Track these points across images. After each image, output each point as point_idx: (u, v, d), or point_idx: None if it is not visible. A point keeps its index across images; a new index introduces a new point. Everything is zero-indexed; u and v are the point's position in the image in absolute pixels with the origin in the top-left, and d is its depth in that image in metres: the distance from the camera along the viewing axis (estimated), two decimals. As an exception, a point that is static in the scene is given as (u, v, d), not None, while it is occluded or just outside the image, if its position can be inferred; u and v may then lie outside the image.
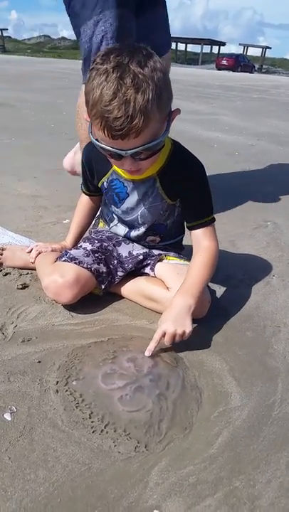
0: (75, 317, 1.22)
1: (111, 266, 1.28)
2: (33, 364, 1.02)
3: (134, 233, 1.32)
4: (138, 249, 1.32)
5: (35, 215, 1.92)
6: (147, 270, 1.31)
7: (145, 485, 0.75)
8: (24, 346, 1.08)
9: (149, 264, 1.31)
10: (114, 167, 1.20)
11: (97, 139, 1.01)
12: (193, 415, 0.91)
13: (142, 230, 1.29)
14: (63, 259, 1.24)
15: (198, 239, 1.21)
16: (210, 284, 1.44)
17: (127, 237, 1.34)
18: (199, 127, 4.72)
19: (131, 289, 1.30)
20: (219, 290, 1.40)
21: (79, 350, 1.07)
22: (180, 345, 1.11)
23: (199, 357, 1.09)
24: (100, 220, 1.45)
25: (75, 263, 1.22)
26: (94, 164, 1.26)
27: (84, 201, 1.41)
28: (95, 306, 1.26)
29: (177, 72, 16.98)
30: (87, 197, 1.40)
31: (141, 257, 1.30)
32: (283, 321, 1.27)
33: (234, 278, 1.49)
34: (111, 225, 1.37)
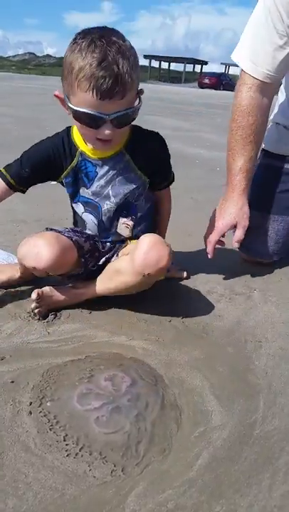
0: (52, 334, 1.18)
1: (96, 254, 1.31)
2: (6, 384, 0.97)
3: (105, 212, 1.27)
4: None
5: (14, 229, 1.88)
6: (114, 258, 1.35)
7: (121, 512, 0.71)
8: (-3, 365, 1.03)
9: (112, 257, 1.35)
10: (82, 147, 1.22)
11: (76, 108, 1.06)
12: (172, 436, 0.87)
13: (113, 206, 1.26)
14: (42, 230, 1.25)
15: (163, 199, 1.39)
16: (191, 298, 1.42)
17: (98, 227, 1.31)
18: (182, 144, 4.76)
19: (102, 277, 1.29)
20: (200, 305, 1.38)
21: (54, 369, 1.03)
22: (160, 362, 1.08)
23: (179, 374, 1.06)
24: None
25: (55, 231, 1.23)
26: (54, 160, 1.23)
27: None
28: (73, 322, 1.22)
29: (161, 90, 17.24)
30: (1, 189, 1.26)
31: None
32: (265, 335, 1.25)
33: (215, 293, 1.48)
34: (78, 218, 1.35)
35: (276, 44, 1.32)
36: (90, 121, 1.07)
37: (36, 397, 0.94)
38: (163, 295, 1.41)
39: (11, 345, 1.11)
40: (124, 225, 1.30)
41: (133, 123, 1.17)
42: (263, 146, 1.65)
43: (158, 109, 8.73)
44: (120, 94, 1.02)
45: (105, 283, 1.28)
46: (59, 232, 1.25)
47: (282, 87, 1.56)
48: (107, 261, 1.34)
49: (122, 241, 1.34)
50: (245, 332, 1.26)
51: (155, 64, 37.32)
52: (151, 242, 1.16)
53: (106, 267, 1.30)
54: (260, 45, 1.35)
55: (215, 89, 34.65)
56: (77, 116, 1.08)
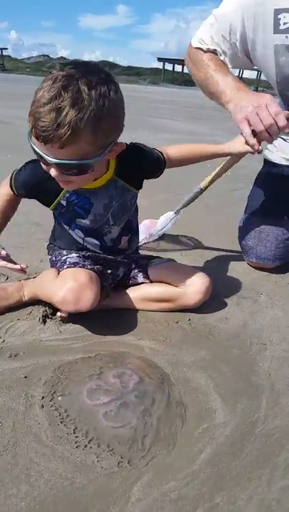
0: (64, 332, 1.23)
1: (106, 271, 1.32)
2: (20, 379, 1.03)
3: (108, 236, 1.30)
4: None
5: (28, 230, 1.94)
6: (141, 279, 1.38)
7: (127, 500, 0.76)
8: (11, 361, 1.08)
9: (138, 273, 1.38)
10: None
11: (29, 139, 1.01)
12: (177, 431, 0.92)
13: (117, 229, 1.30)
14: (65, 267, 1.24)
15: (176, 157, 1.34)
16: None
17: (101, 249, 1.32)
18: (193, 147, 4.80)
19: (136, 297, 1.36)
20: (207, 307, 1.42)
21: (66, 366, 1.08)
22: (167, 362, 1.12)
23: (185, 374, 1.10)
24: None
25: (80, 267, 1.23)
26: (45, 185, 1.17)
27: (7, 196, 1.26)
28: (84, 321, 1.27)
29: (173, 93, 17.30)
30: (12, 194, 1.25)
31: (126, 259, 1.38)
32: (269, 338, 1.29)
33: (222, 296, 1.51)
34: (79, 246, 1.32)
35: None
36: (39, 157, 1.02)
37: (48, 391, 0.99)
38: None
39: (24, 342, 1.17)
40: (124, 242, 1.36)
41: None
42: (263, 155, 1.70)
43: (171, 112, 8.78)
44: (58, 143, 0.93)
45: (143, 304, 1.36)
46: (82, 265, 1.24)
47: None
48: (126, 279, 1.40)
49: (125, 254, 1.38)
50: (251, 335, 1.30)
51: (169, 67, 37.40)
52: (206, 287, 1.33)
53: (143, 290, 1.37)
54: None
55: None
56: (31, 147, 1.02)
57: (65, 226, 1.29)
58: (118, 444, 0.86)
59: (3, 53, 37.94)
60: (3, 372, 1.04)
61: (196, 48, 1.53)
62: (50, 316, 1.29)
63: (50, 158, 0.98)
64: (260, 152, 1.36)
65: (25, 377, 1.03)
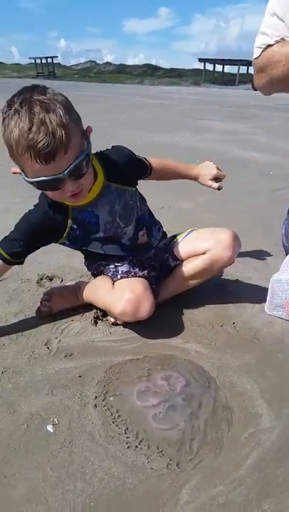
0: (113, 334, 1.24)
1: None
2: (74, 378, 1.05)
3: (125, 238, 1.30)
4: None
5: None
6: (172, 262, 1.38)
7: (176, 503, 0.76)
8: (66, 361, 1.11)
9: (168, 258, 1.38)
10: (70, 204, 1.17)
11: (33, 180, 1.01)
12: (223, 435, 0.91)
13: (131, 229, 1.30)
14: (119, 277, 1.25)
15: (156, 170, 1.37)
16: (242, 305, 1.43)
17: (122, 250, 1.32)
18: (235, 147, 4.69)
19: (174, 283, 1.37)
20: (251, 311, 1.39)
21: (116, 367, 1.09)
22: (212, 365, 1.11)
23: (231, 378, 1.08)
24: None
25: (133, 275, 1.24)
26: (46, 228, 1.19)
27: None
28: (132, 324, 1.28)
29: (214, 93, 17.00)
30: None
31: (153, 251, 1.39)
32: (315, 343, 1.24)
33: (265, 299, 1.47)
34: (102, 256, 1.33)
35: None
36: (50, 186, 1.04)
37: (100, 391, 1.01)
38: (215, 301, 1.43)
39: (78, 342, 1.19)
40: (142, 236, 1.35)
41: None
42: None
43: (212, 113, 8.63)
44: (62, 149, 0.96)
45: (187, 283, 1.36)
46: (135, 273, 1.25)
47: None
48: (162, 269, 1.40)
49: (148, 247, 1.38)
50: (296, 339, 1.26)
51: (209, 67, 36.77)
52: (231, 239, 1.29)
53: (179, 273, 1.36)
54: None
55: (269, 90, 33.47)
56: (38, 186, 1.04)
57: (82, 249, 1.33)
58: (167, 446, 0.87)
59: (54, 61, 38.77)
60: (60, 372, 1.07)
61: (263, 49, 1.41)
62: (100, 318, 1.31)
63: (61, 174, 1.00)
64: (219, 189, 1.45)
65: (80, 376, 1.06)
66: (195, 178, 1.47)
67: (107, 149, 1.26)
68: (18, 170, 1.05)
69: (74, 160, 1.00)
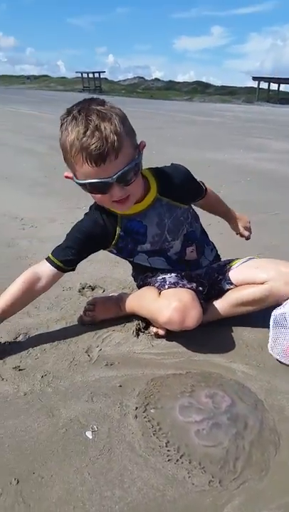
0: (156, 347, 1.27)
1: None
2: (115, 387, 1.09)
3: (172, 252, 1.35)
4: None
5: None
6: (225, 285, 1.40)
7: (218, 521, 0.77)
8: (107, 370, 1.15)
9: (222, 280, 1.40)
10: (119, 212, 1.24)
11: (83, 181, 1.10)
12: (270, 458, 0.91)
13: (178, 243, 1.34)
14: (166, 287, 1.29)
15: (208, 199, 1.43)
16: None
17: (168, 263, 1.37)
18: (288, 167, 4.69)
19: (225, 305, 1.38)
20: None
21: (158, 380, 1.12)
22: (260, 388, 1.11)
23: (280, 402, 1.08)
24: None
25: (180, 286, 1.28)
26: (96, 235, 1.27)
27: (43, 277, 1.27)
28: (175, 338, 1.31)
29: (268, 112, 17.03)
30: (52, 273, 1.27)
31: (204, 269, 1.42)
32: None
33: None
34: (150, 268, 1.39)
35: None
36: (99, 189, 1.11)
37: (141, 403, 1.04)
38: (262, 322, 1.43)
39: (119, 352, 1.23)
40: (190, 252, 1.38)
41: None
42: None
43: (265, 131, 8.65)
44: (113, 154, 1.04)
45: (236, 309, 1.38)
46: (183, 284, 1.29)
47: None
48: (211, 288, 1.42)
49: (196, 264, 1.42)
50: None
51: (264, 85, 36.92)
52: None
53: (231, 297, 1.38)
54: None
55: None
56: (87, 188, 1.12)
57: (129, 259, 1.39)
58: (209, 463, 0.88)
59: (101, 76, 40.24)
60: (100, 380, 1.11)
61: None
62: (142, 330, 1.34)
63: (110, 178, 1.07)
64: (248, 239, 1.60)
65: (120, 386, 1.09)
66: (232, 220, 1.59)
67: (165, 166, 1.33)
68: (70, 174, 1.14)
69: (124, 167, 1.08)
